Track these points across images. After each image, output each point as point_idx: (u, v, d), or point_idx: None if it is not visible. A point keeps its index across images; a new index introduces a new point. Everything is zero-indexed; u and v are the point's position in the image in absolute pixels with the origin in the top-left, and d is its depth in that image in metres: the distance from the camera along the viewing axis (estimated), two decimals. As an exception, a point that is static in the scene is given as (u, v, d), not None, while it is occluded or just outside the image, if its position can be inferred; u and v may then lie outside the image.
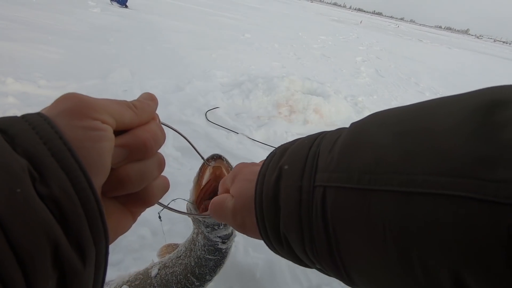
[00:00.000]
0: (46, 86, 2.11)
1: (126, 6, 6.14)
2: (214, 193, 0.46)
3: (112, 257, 1.16)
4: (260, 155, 1.86)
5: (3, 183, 0.14)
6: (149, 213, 0.62)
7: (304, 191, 0.22)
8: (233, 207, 0.29)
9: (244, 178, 0.30)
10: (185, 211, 0.50)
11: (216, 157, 0.48)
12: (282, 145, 0.28)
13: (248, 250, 1.17)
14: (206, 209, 0.47)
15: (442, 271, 0.16)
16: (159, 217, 0.56)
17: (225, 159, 0.48)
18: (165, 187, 0.26)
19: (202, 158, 0.42)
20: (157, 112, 0.26)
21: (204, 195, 0.49)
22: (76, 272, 0.16)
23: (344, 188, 0.20)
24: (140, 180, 0.22)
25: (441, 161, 0.16)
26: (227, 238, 0.57)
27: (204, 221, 0.52)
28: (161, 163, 0.24)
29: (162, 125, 0.26)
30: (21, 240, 0.14)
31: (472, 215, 0.14)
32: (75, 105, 0.19)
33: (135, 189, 0.22)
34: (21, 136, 0.16)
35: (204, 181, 0.48)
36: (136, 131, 0.22)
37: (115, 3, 6.05)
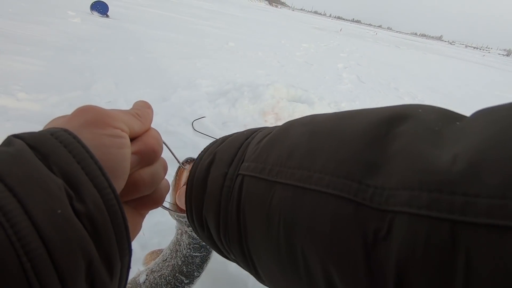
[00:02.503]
0: (26, 99, 2.05)
1: (107, 16, 6.06)
2: None
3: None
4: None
5: (44, 205, 0.15)
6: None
7: (228, 177, 0.23)
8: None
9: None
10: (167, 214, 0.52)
11: (191, 160, 0.51)
12: (226, 135, 0.30)
13: (240, 260, 1.17)
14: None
15: (317, 268, 0.16)
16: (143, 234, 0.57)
17: None
18: (168, 187, 0.28)
19: (178, 162, 0.44)
20: None
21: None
22: (105, 285, 0.17)
23: (257, 178, 0.21)
24: (153, 183, 0.24)
25: (336, 162, 0.17)
26: None
27: (186, 221, 0.53)
28: (165, 166, 0.27)
29: None
30: (63, 258, 0.14)
31: (346, 215, 0.15)
32: (96, 115, 0.20)
33: (148, 191, 0.24)
34: (55, 155, 0.17)
35: (182, 183, 0.50)
36: (144, 138, 0.24)
37: (95, 13, 5.96)
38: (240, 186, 0.22)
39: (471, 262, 0.11)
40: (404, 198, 0.14)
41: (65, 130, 0.18)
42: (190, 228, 0.57)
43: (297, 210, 0.18)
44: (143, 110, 0.26)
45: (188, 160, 0.52)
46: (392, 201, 0.14)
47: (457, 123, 0.16)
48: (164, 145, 0.36)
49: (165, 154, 0.32)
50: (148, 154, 0.24)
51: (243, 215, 0.21)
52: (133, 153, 0.22)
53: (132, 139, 0.23)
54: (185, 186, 0.38)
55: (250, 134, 0.26)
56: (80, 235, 0.16)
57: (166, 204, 0.53)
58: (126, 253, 0.19)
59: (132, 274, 0.71)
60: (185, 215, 0.49)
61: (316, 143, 0.19)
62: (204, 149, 0.29)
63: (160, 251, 0.74)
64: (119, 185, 0.20)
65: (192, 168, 0.27)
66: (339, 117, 0.20)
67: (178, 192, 0.50)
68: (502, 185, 0.11)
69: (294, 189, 0.18)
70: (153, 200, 0.26)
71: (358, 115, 0.19)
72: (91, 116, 0.20)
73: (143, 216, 0.26)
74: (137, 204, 0.25)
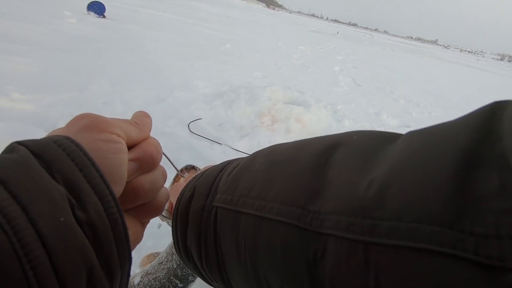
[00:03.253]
0: (20, 100, 2.03)
1: (104, 16, 6.04)
2: None
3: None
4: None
5: (48, 213, 0.15)
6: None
7: (206, 209, 0.24)
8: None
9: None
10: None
11: (190, 168, 0.50)
12: (207, 168, 0.31)
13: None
14: None
15: None
16: None
17: (198, 168, 0.50)
18: (168, 195, 0.29)
19: (176, 169, 0.44)
20: None
21: None
22: None
23: (227, 209, 0.22)
24: (152, 190, 0.25)
25: (286, 191, 0.18)
26: None
27: None
28: (164, 174, 0.27)
29: None
30: (64, 266, 0.15)
31: (293, 240, 0.17)
32: (93, 121, 0.21)
33: (148, 198, 0.25)
34: (58, 163, 0.17)
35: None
36: (142, 145, 0.24)
37: (92, 13, 5.93)
38: (215, 217, 0.23)
39: (379, 280, 0.13)
40: (332, 222, 0.15)
41: (68, 138, 0.18)
42: None
43: (257, 237, 0.19)
44: (141, 119, 0.26)
45: (187, 168, 0.51)
46: (325, 225, 0.15)
47: (395, 143, 0.17)
48: (164, 155, 0.37)
49: (163, 162, 0.32)
50: (147, 161, 0.24)
51: (219, 244, 0.22)
52: (131, 159, 0.23)
53: (131, 146, 0.23)
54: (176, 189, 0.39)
55: (224, 167, 0.27)
56: (82, 243, 0.16)
57: (164, 212, 0.53)
58: (126, 261, 0.19)
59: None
60: None
61: (273, 173, 0.20)
62: (186, 184, 0.29)
63: (157, 254, 0.74)
64: (117, 190, 0.20)
65: (176, 203, 0.28)
66: (295, 146, 0.22)
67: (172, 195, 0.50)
68: (399, 209, 0.13)
69: (254, 218, 0.19)
70: (153, 208, 0.26)
71: (309, 145, 0.21)
72: (87, 121, 0.21)
73: (144, 225, 0.26)
74: (137, 212, 0.25)
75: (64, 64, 2.95)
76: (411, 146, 0.15)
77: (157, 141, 0.26)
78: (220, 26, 9.51)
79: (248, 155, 0.26)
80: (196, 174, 0.30)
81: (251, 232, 0.20)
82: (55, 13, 5.32)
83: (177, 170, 0.47)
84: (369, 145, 0.18)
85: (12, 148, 0.17)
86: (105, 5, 5.96)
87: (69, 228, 0.15)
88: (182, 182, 0.35)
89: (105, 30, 4.92)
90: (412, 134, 0.17)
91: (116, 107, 2.20)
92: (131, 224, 0.24)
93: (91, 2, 5.89)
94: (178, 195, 0.34)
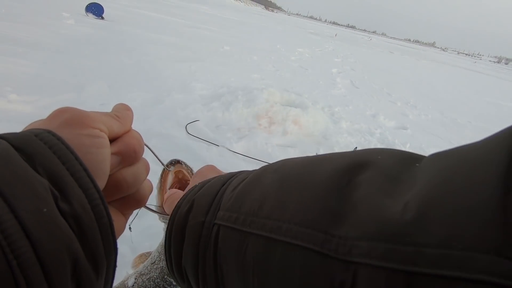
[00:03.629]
0: (17, 101, 2.03)
1: (102, 18, 6.04)
2: None
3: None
4: (240, 167, 1.88)
5: (31, 205, 0.15)
6: (127, 230, 0.63)
7: (205, 226, 0.23)
8: None
9: (195, 182, 0.31)
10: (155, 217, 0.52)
11: (175, 162, 0.51)
12: (206, 179, 0.29)
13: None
14: None
15: None
16: (130, 228, 0.57)
17: (184, 162, 0.51)
18: (151, 187, 0.28)
19: (162, 163, 0.44)
20: (135, 125, 0.28)
21: None
22: (91, 283, 0.17)
23: (231, 228, 0.20)
24: (135, 183, 0.25)
25: (303, 212, 0.17)
26: None
27: None
28: (147, 166, 0.27)
29: None
30: (48, 256, 0.15)
31: (314, 267, 0.15)
32: (74, 116, 0.21)
33: (130, 191, 0.25)
34: (41, 156, 0.17)
35: (168, 185, 0.50)
36: (124, 138, 0.24)
37: (90, 15, 5.93)
38: (216, 236, 0.21)
39: None
40: (364, 249, 0.14)
41: (49, 131, 0.18)
42: None
43: (269, 262, 0.17)
44: (122, 112, 0.26)
45: (172, 162, 0.52)
46: (354, 252, 0.14)
47: (417, 164, 0.16)
48: (147, 148, 0.36)
49: (151, 157, 0.32)
50: (129, 154, 0.24)
51: (220, 267, 0.21)
52: (113, 153, 0.22)
53: (112, 140, 0.23)
54: (172, 190, 0.38)
55: (227, 180, 0.26)
56: (66, 234, 0.16)
57: (152, 207, 0.53)
58: (112, 252, 0.19)
59: (121, 278, 0.71)
60: (168, 216, 0.50)
61: (285, 192, 0.19)
62: (183, 196, 0.28)
63: (149, 254, 0.74)
64: (100, 184, 0.21)
65: (171, 215, 0.27)
66: (307, 163, 0.21)
67: (164, 196, 0.50)
68: (448, 236, 0.12)
69: (266, 240, 0.18)
70: (136, 200, 0.26)
71: (324, 162, 0.20)
72: (69, 116, 0.20)
73: (126, 217, 0.26)
74: (120, 204, 0.25)
75: (62, 65, 2.95)
76: (446, 169, 0.14)
77: (138, 134, 0.27)
78: (219, 28, 9.53)
79: (255, 169, 0.25)
80: (194, 185, 0.29)
81: (262, 256, 0.18)
82: (53, 14, 5.31)
83: (163, 165, 0.47)
84: (393, 166, 0.17)
85: None
86: (103, 6, 5.96)
87: (53, 219, 0.15)
88: (180, 192, 0.34)
89: (103, 32, 4.92)
90: (439, 156, 0.16)
91: (114, 109, 2.20)
92: (113, 216, 0.24)
93: (89, 4, 5.89)
94: (169, 199, 0.33)
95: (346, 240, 0.14)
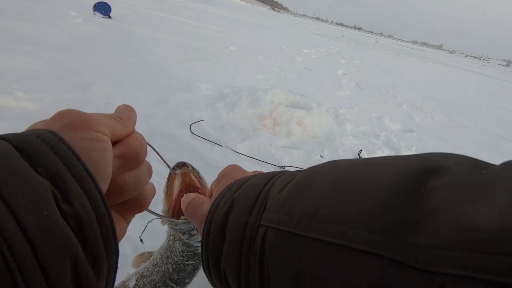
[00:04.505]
0: (24, 99, 2.05)
1: (110, 17, 6.08)
2: None
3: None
4: (244, 168, 1.87)
5: (31, 206, 0.15)
6: (131, 229, 0.62)
7: (249, 228, 0.21)
8: (205, 213, 0.28)
9: (224, 184, 0.29)
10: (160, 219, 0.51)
11: (181, 165, 0.49)
12: (242, 178, 0.28)
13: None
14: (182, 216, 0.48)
15: None
16: (141, 240, 0.56)
17: (190, 165, 0.50)
18: (153, 191, 0.28)
19: (169, 167, 0.43)
20: (140, 124, 0.27)
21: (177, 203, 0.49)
22: (91, 285, 0.17)
23: (282, 231, 0.19)
24: (136, 186, 0.24)
25: (369, 217, 0.16)
26: None
27: (180, 228, 0.53)
28: (149, 170, 0.26)
29: None
30: (48, 258, 0.15)
31: (388, 277, 0.14)
32: (77, 119, 0.20)
33: (132, 195, 0.24)
34: (41, 157, 0.17)
35: (175, 190, 0.49)
36: (127, 141, 0.24)
37: (98, 14, 5.98)
38: (263, 238, 0.20)
39: None
40: (455, 260, 0.12)
41: (50, 132, 0.18)
42: (186, 236, 0.55)
43: (331, 269, 0.16)
44: (125, 113, 0.26)
45: (179, 165, 0.51)
46: (440, 263, 0.13)
47: (483, 171, 0.16)
48: (153, 150, 0.35)
49: (155, 157, 0.32)
50: (131, 157, 0.24)
51: (267, 271, 0.20)
52: (115, 156, 0.22)
53: (114, 142, 0.23)
54: (191, 195, 0.35)
55: (268, 180, 0.24)
56: (66, 236, 0.16)
57: (158, 211, 0.52)
58: (113, 254, 0.19)
59: (122, 277, 0.71)
60: (178, 221, 0.48)
61: (344, 195, 0.18)
62: (220, 195, 0.27)
63: (150, 253, 0.73)
64: (102, 188, 0.20)
65: (208, 215, 0.26)
66: (362, 165, 0.19)
67: (171, 201, 0.49)
68: None
69: (326, 246, 0.16)
70: (137, 204, 0.26)
71: (384, 166, 0.18)
72: (71, 119, 0.20)
73: (127, 221, 0.26)
74: (121, 208, 0.25)
75: (68, 64, 2.97)
76: None
77: (141, 136, 0.26)
78: (225, 28, 9.55)
79: (298, 171, 0.24)
80: (231, 184, 0.27)
81: (322, 263, 0.16)
82: (61, 13, 5.37)
83: (170, 168, 0.46)
84: (467, 173, 0.16)
85: None
86: (111, 5, 6.01)
87: (53, 221, 0.15)
88: (201, 196, 0.33)
89: (110, 31, 4.95)
90: None
91: (118, 108, 2.21)
92: (115, 220, 0.24)
93: (97, 3, 5.94)
94: (190, 205, 0.31)
95: (427, 250, 0.13)
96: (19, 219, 0.14)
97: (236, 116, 2.56)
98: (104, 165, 0.20)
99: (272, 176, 0.25)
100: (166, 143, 1.95)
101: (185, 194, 0.36)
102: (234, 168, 0.33)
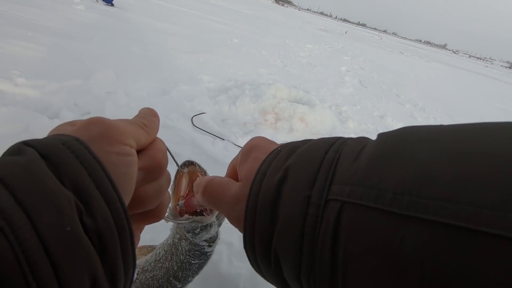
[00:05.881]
0: (24, 85, 2.02)
1: (112, 5, 6.01)
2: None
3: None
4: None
5: (53, 220, 0.14)
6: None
7: (313, 202, 0.18)
8: (236, 193, 0.23)
9: (258, 157, 0.24)
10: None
11: (188, 163, 0.49)
12: (288, 143, 0.24)
13: (231, 260, 1.16)
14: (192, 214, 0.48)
15: None
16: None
17: (198, 164, 0.49)
18: (169, 198, 0.27)
19: (178, 165, 0.43)
20: None
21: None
22: None
23: (370, 208, 0.15)
24: (157, 198, 0.24)
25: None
26: (212, 242, 0.57)
27: (184, 226, 0.53)
28: (169, 179, 0.25)
29: None
30: (68, 276, 0.14)
31: None
32: (106, 131, 0.20)
33: (152, 206, 0.23)
34: (67, 167, 0.16)
35: (182, 188, 0.49)
36: (151, 153, 0.23)
37: (100, 1, 5.91)
38: (338, 216, 0.17)
39: None
40: None
41: (77, 139, 0.18)
42: (190, 234, 0.55)
43: (460, 262, 0.12)
44: (149, 119, 0.24)
45: (186, 163, 0.50)
46: None
47: None
48: (169, 153, 0.36)
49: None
50: (155, 169, 0.23)
51: (344, 255, 0.16)
52: (139, 169, 0.21)
53: (138, 151, 0.22)
54: (208, 177, 0.30)
55: (329, 146, 0.20)
56: (87, 253, 0.15)
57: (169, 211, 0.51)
58: (130, 268, 0.19)
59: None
60: (183, 221, 0.48)
61: (468, 168, 0.14)
62: (266, 160, 0.22)
63: (151, 247, 0.72)
64: (125, 202, 0.20)
65: (253, 185, 0.22)
66: (476, 132, 0.15)
67: (180, 198, 0.49)
68: None
69: (449, 231, 0.13)
70: (155, 215, 0.25)
71: (498, 132, 0.15)
72: (101, 130, 0.19)
73: (141, 230, 0.26)
74: (137, 218, 0.24)
75: (70, 51, 2.94)
76: None
77: (163, 143, 0.25)
78: (228, 20, 9.45)
79: (366, 138, 0.20)
80: (276, 150, 0.23)
81: (443, 255, 0.12)
82: (64, -1, 5.30)
83: (179, 167, 0.46)
84: None
85: (19, 149, 0.17)
86: (114, -7, 5.93)
87: (75, 238, 0.15)
88: (217, 176, 0.28)
89: (113, 19, 4.89)
90: None
91: (120, 97, 2.19)
92: None
93: (100, -10, 5.86)
94: (209, 188, 0.26)
95: None
96: (41, 235, 0.14)
97: (239, 109, 2.54)
98: (129, 179, 0.20)
99: (331, 143, 0.21)
100: (168, 135, 1.93)
101: (197, 178, 0.34)
102: (263, 139, 0.27)
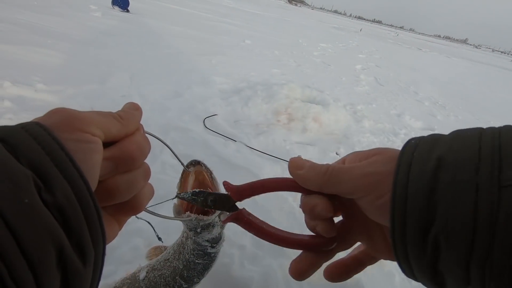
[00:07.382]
0: (44, 90, 2.09)
1: (128, 11, 6.16)
2: None
3: (104, 269, 1.13)
4: (258, 164, 1.84)
5: (11, 194, 0.15)
6: (142, 223, 0.62)
7: (483, 188, 0.18)
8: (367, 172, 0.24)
9: (381, 161, 0.25)
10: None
11: (195, 163, 0.50)
12: (420, 137, 0.24)
13: (243, 263, 1.14)
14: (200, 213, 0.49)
15: None
16: (159, 239, 0.60)
17: (204, 164, 0.51)
18: (151, 194, 0.27)
19: (182, 164, 0.43)
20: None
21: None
22: (78, 272, 0.17)
23: None
24: (129, 191, 0.23)
25: None
26: (215, 243, 0.58)
27: (186, 224, 0.54)
28: (147, 173, 0.25)
29: (147, 135, 0.27)
30: (31, 245, 0.15)
31: None
32: (64, 119, 0.20)
33: (123, 199, 0.24)
34: (24, 147, 0.17)
35: (188, 186, 0.50)
36: (122, 143, 0.23)
37: (116, 8, 6.07)
38: None
39: None
40: None
41: (37, 123, 0.18)
42: (192, 232, 0.56)
43: None
44: (128, 112, 0.25)
45: (192, 163, 0.51)
46: None
47: None
48: (171, 151, 0.35)
49: (170, 154, 0.29)
50: (125, 160, 0.23)
51: None
52: (106, 158, 0.21)
53: (112, 142, 0.22)
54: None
55: (479, 133, 0.21)
56: (49, 223, 0.16)
57: (161, 212, 0.52)
58: (99, 241, 0.19)
59: (133, 269, 0.71)
60: (188, 218, 0.48)
61: None
62: (404, 152, 0.23)
63: (165, 248, 0.74)
64: None
65: (396, 178, 0.22)
66: None
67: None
68: None
69: None
70: (131, 207, 0.25)
71: None
72: (59, 119, 0.20)
73: (120, 223, 0.25)
74: (114, 210, 0.24)
75: (87, 56, 3.03)
76: None
77: (143, 137, 0.25)
78: (241, 21, 9.48)
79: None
80: (406, 144, 0.24)
81: None
82: (81, 6, 5.48)
83: (183, 165, 0.46)
84: None
85: None
86: (129, -1, 6.09)
87: (34, 209, 0.15)
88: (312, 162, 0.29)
89: (128, 24, 5.01)
90: None
91: (134, 101, 2.21)
92: (105, 222, 0.22)
93: (115, -3, 6.03)
94: (326, 171, 0.26)
95: None
96: (0, 208, 0.14)
97: (251, 110, 2.53)
98: (90, 168, 0.19)
99: (479, 131, 0.21)
100: (180, 137, 1.94)
101: (291, 158, 0.31)
102: (383, 148, 0.28)
